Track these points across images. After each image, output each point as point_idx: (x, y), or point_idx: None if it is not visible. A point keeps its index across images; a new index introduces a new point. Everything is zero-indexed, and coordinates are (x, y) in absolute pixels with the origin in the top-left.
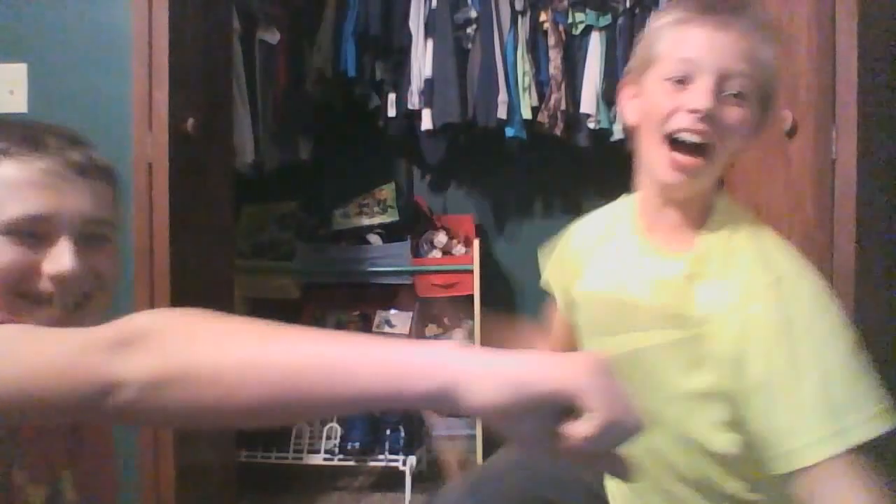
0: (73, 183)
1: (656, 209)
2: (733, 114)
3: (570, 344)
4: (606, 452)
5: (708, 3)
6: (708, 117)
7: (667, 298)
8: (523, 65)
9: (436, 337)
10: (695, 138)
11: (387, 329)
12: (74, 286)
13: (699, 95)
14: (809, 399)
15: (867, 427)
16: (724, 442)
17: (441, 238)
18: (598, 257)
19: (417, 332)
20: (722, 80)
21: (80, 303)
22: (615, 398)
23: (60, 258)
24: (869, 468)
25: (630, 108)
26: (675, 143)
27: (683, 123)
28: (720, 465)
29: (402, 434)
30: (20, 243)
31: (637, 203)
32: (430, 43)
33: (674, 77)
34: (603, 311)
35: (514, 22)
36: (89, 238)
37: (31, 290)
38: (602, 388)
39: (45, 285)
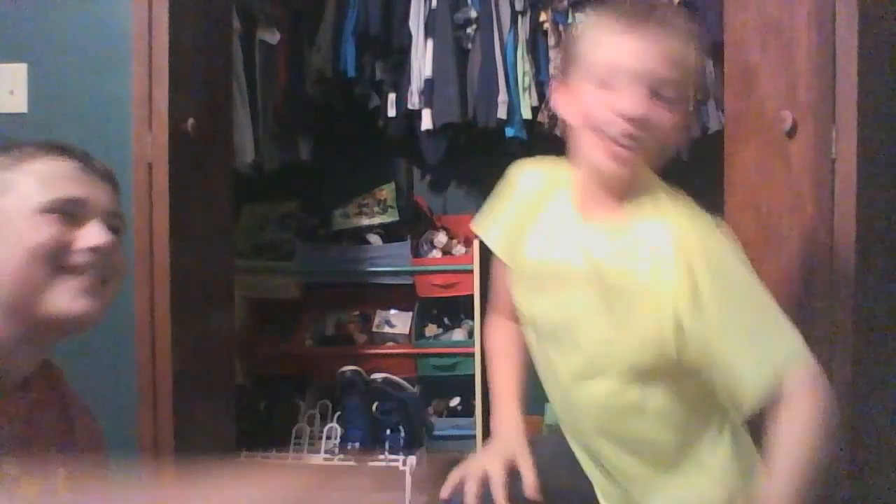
0: (97, 181)
1: (590, 188)
2: (664, 118)
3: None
4: None
5: (636, 10)
6: (641, 122)
7: (596, 265)
8: (523, 65)
9: (435, 337)
10: (629, 142)
11: (387, 329)
12: (107, 259)
13: (632, 103)
14: (749, 336)
15: (798, 346)
16: (661, 398)
17: (441, 238)
18: (539, 223)
19: (417, 332)
20: (652, 86)
21: (106, 279)
22: None
23: (96, 233)
24: (817, 378)
25: (564, 106)
26: (607, 142)
27: (618, 129)
28: (650, 419)
29: (402, 434)
30: (57, 221)
31: (574, 179)
32: (430, 43)
33: (606, 83)
34: (539, 273)
35: (514, 22)
36: (108, 227)
37: (66, 262)
38: None
39: (80, 258)
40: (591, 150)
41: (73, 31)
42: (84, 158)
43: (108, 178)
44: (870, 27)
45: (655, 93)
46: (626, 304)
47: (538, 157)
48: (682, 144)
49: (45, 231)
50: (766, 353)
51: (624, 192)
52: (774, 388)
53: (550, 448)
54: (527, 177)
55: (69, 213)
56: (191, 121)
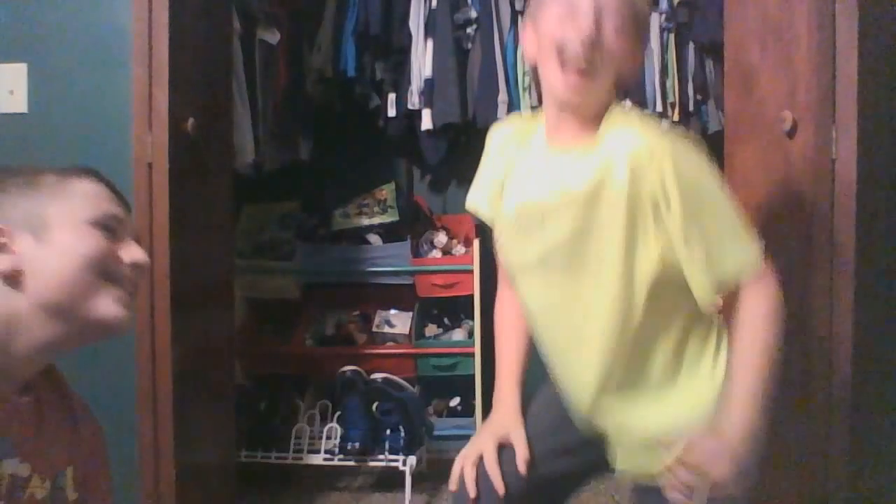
0: (123, 203)
1: (557, 120)
2: (616, 43)
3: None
4: None
5: None
6: (593, 45)
7: (574, 187)
8: (523, 65)
9: (435, 337)
10: (582, 64)
11: (387, 329)
12: (142, 275)
13: (586, 25)
14: (721, 234)
15: (753, 257)
16: (651, 285)
17: (441, 238)
18: (517, 171)
19: (417, 332)
20: (600, 14)
21: (133, 293)
22: None
23: (137, 250)
24: (768, 287)
25: (529, 42)
26: (566, 66)
27: (573, 50)
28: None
29: (402, 434)
30: (104, 234)
31: (544, 119)
32: (430, 43)
33: (562, 13)
34: (524, 216)
35: (514, 22)
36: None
37: (110, 271)
38: None
39: (123, 270)
40: (551, 77)
41: (73, 31)
42: (111, 184)
43: (126, 202)
44: (870, 27)
45: (608, 20)
46: (607, 215)
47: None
48: (634, 78)
49: (95, 241)
50: (719, 261)
51: (592, 119)
52: (724, 290)
53: (545, 401)
54: (498, 134)
55: (111, 228)
56: (191, 121)
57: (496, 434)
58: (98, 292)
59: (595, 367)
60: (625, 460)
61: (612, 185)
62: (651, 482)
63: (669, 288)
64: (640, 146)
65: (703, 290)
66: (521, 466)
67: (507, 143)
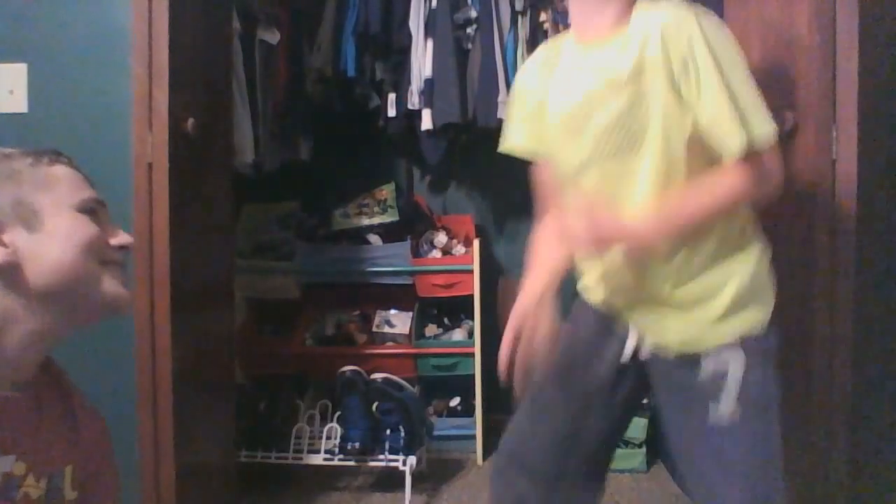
0: (91, 184)
1: (585, 17)
2: None
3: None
4: None
5: None
6: None
7: (616, 71)
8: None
9: (435, 337)
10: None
11: (387, 329)
12: (128, 256)
13: None
14: (746, 97)
15: (769, 130)
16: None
17: (441, 238)
18: (556, 82)
19: (417, 332)
20: None
21: (125, 274)
22: None
23: (123, 234)
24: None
25: None
26: None
27: None
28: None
29: (402, 434)
30: (93, 220)
31: (571, 27)
32: (430, 43)
33: None
34: (573, 116)
35: (514, 22)
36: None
37: (105, 254)
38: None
39: (114, 253)
40: None
41: (73, 31)
42: (76, 165)
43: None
44: (870, 27)
45: None
46: (649, 89)
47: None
48: None
49: (89, 227)
50: (745, 120)
51: (619, 8)
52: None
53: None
54: (530, 65)
55: (95, 212)
56: (191, 121)
57: (516, 320)
58: (101, 275)
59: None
60: (652, 331)
61: (648, 58)
62: (666, 352)
63: (701, 160)
64: (668, 18)
65: (729, 139)
66: (538, 342)
67: (540, 68)
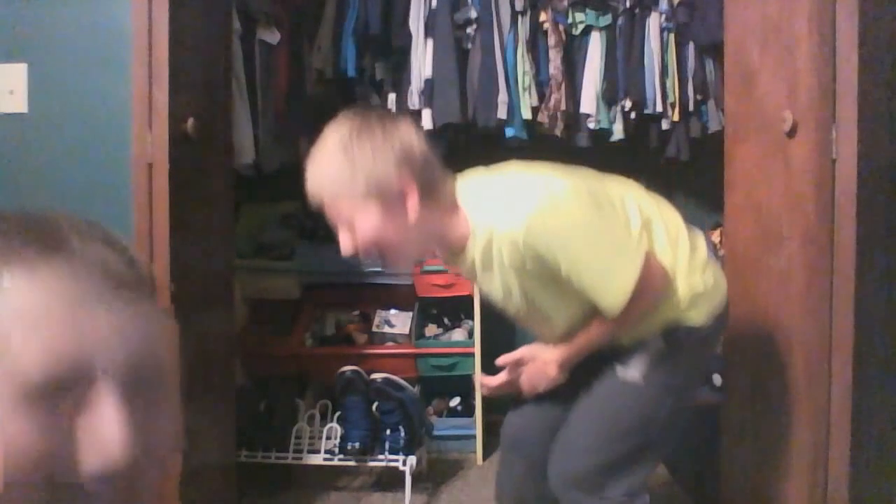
0: (113, 303)
1: (445, 252)
2: (366, 227)
3: None
4: None
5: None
6: (361, 251)
7: (480, 268)
8: (523, 65)
9: (435, 337)
10: (378, 261)
11: (387, 329)
12: (127, 473)
13: (342, 244)
14: (596, 273)
15: (634, 270)
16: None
17: None
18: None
19: (417, 332)
20: (331, 216)
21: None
22: None
23: (105, 432)
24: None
25: None
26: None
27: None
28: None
29: (402, 434)
30: (45, 411)
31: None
32: (430, 43)
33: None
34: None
35: (514, 22)
36: (137, 386)
37: (69, 488)
38: None
39: (89, 482)
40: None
41: (73, 31)
42: (93, 255)
43: (147, 288)
44: (870, 27)
45: (339, 220)
46: (518, 282)
47: None
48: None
49: (27, 436)
50: (604, 296)
51: (453, 242)
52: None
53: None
54: None
55: (59, 390)
56: (191, 121)
57: (526, 350)
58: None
59: (560, 334)
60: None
61: (500, 265)
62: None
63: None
64: (504, 240)
65: (602, 304)
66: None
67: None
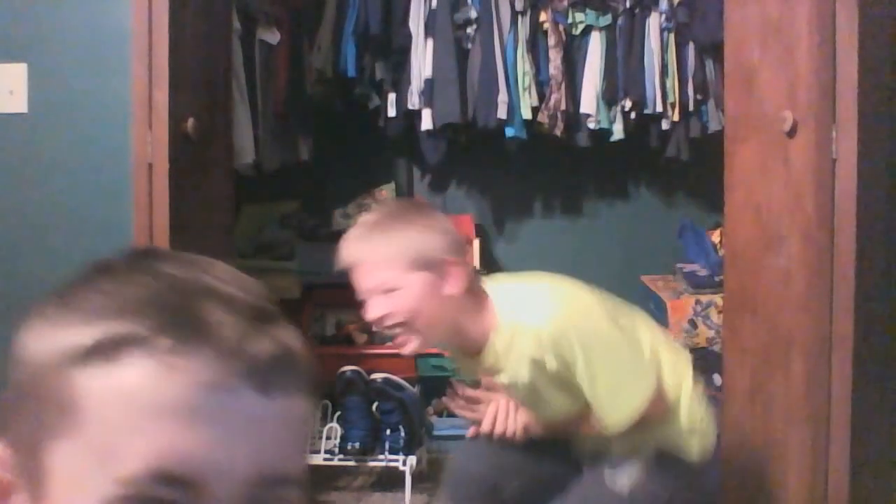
0: (249, 405)
1: (457, 349)
2: (399, 304)
3: None
4: None
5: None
6: (386, 320)
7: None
8: (523, 65)
9: None
10: (396, 335)
11: None
12: None
13: (368, 312)
14: (609, 387)
15: (644, 394)
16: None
17: None
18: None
19: None
20: (369, 290)
21: None
22: None
23: None
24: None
25: None
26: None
27: (383, 329)
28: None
29: (402, 434)
30: None
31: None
32: (430, 43)
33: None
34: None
35: (514, 22)
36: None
37: None
38: None
39: None
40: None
41: (73, 31)
42: (236, 342)
43: (297, 379)
44: (870, 27)
45: (374, 286)
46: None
47: None
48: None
49: None
50: (609, 413)
51: (475, 337)
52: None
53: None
54: None
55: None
56: (191, 121)
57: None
58: None
59: (550, 420)
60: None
61: (518, 359)
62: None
63: None
64: (529, 334)
65: (604, 419)
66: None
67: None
